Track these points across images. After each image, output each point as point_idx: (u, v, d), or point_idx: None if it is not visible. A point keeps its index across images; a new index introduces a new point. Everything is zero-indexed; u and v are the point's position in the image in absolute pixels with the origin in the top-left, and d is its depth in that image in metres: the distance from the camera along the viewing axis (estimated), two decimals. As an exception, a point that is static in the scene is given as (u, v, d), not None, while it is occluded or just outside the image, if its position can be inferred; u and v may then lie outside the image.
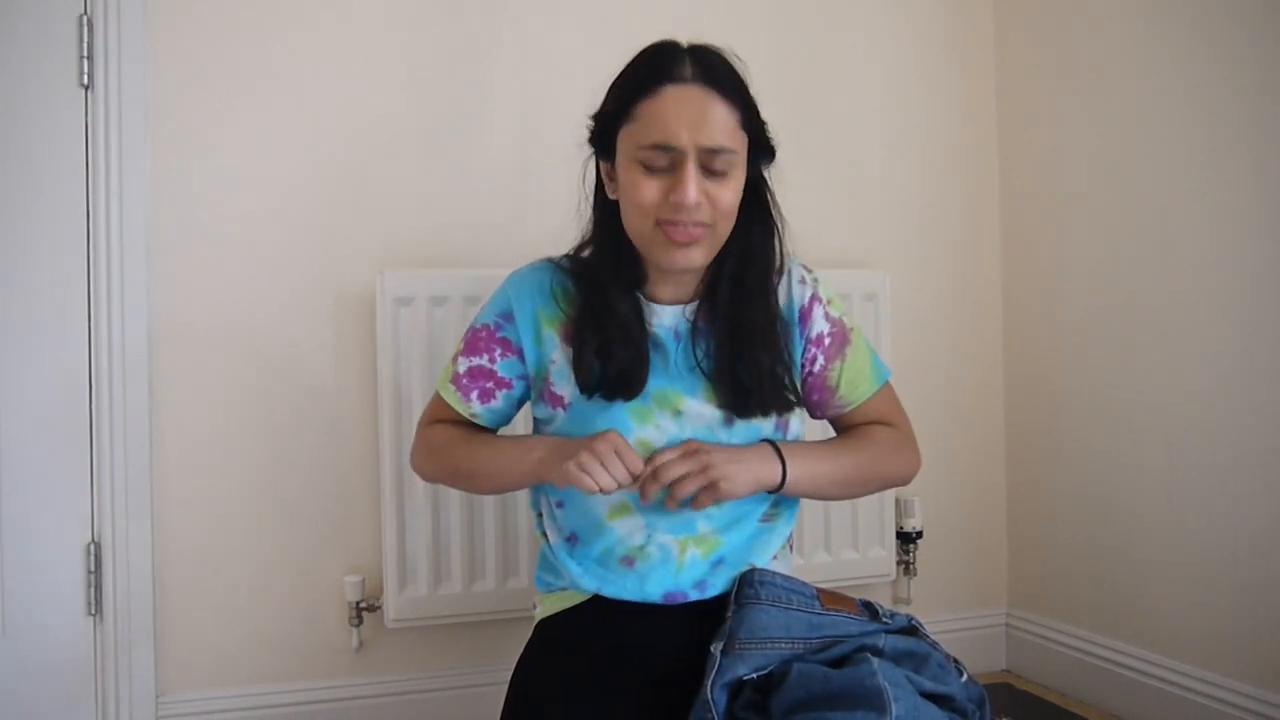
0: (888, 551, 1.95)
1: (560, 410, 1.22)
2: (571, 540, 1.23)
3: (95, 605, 1.63)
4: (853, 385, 1.28)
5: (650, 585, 1.17)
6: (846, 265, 1.99)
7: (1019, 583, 2.11)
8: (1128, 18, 1.80)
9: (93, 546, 1.62)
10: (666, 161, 1.10)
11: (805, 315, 1.24)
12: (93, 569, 1.62)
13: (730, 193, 1.12)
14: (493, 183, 1.80)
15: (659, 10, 1.88)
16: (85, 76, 1.61)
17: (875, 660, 1.00)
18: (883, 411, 1.32)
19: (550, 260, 1.26)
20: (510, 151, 1.81)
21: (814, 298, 1.25)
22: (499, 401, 1.26)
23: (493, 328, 1.24)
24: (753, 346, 1.18)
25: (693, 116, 1.09)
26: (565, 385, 1.21)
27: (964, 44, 2.10)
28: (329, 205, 1.73)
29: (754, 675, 1.06)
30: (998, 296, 2.13)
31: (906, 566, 2.01)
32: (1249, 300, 1.60)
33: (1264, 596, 1.59)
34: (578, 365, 1.18)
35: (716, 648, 1.09)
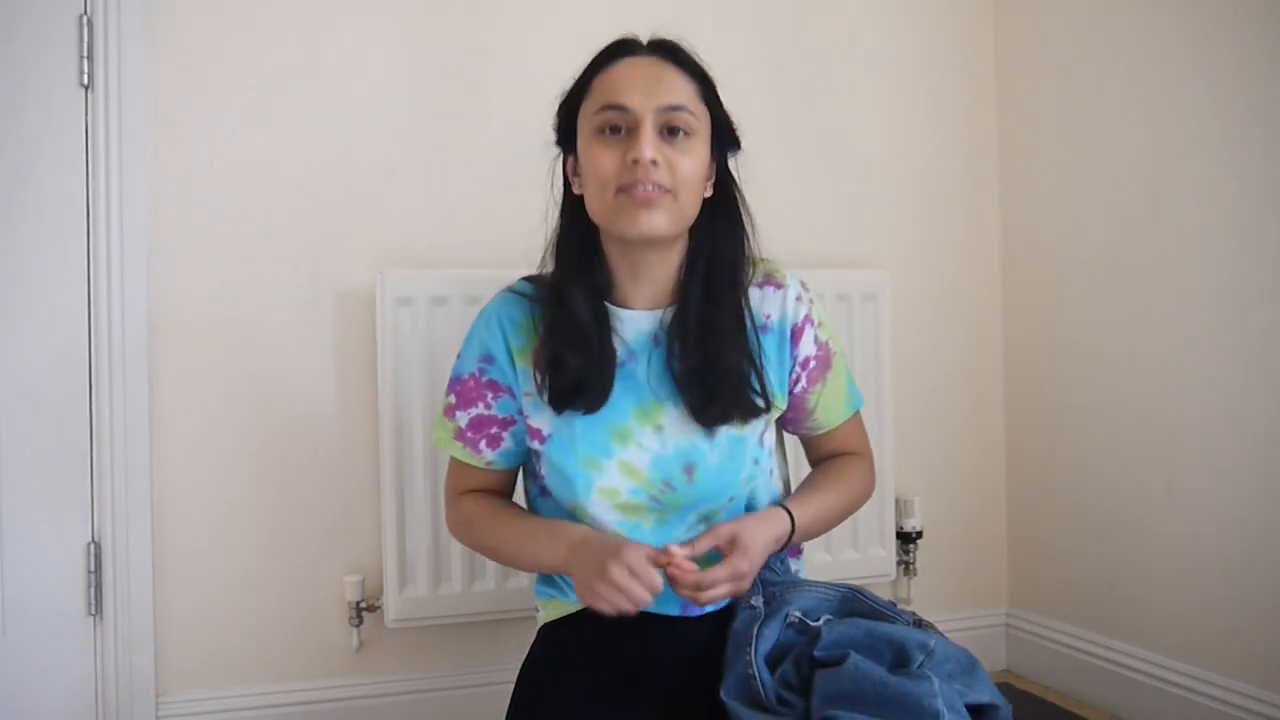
0: (888, 551, 1.95)
1: (539, 443, 1.19)
2: None
3: (95, 605, 1.63)
4: (827, 410, 1.28)
5: (668, 596, 1.13)
6: (846, 265, 1.99)
7: (1019, 583, 2.11)
8: (1128, 15, 1.80)
9: (93, 546, 1.62)
10: (622, 124, 1.11)
11: (797, 335, 1.22)
12: (93, 569, 1.62)
13: (689, 160, 1.12)
14: (493, 182, 1.80)
15: (657, 13, 1.88)
16: (85, 76, 1.61)
17: (937, 681, 0.97)
18: (851, 441, 1.32)
19: (512, 290, 1.24)
20: (510, 151, 1.81)
21: (807, 318, 1.23)
22: (508, 441, 1.23)
23: (477, 374, 1.22)
24: (719, 345, 1.15)
25: (647, 80, 1.11)
26: (540, 416, 1.19)
27: (964, 43, 2.10)
28: (329, 205, 1.73)
29: (799, 616, 1.07)
30: (998, 296, 2.13)
31: (906, 566, 2.01)
32: (1250, 298, 1.60)
33: (1264, 596, 1.59)
34: (548, 380, 1.15)
35: (758, 599, 1.10)
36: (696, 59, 1.17)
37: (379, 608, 1.71)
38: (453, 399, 1.23)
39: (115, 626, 1.62)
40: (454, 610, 1.70)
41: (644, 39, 1.18)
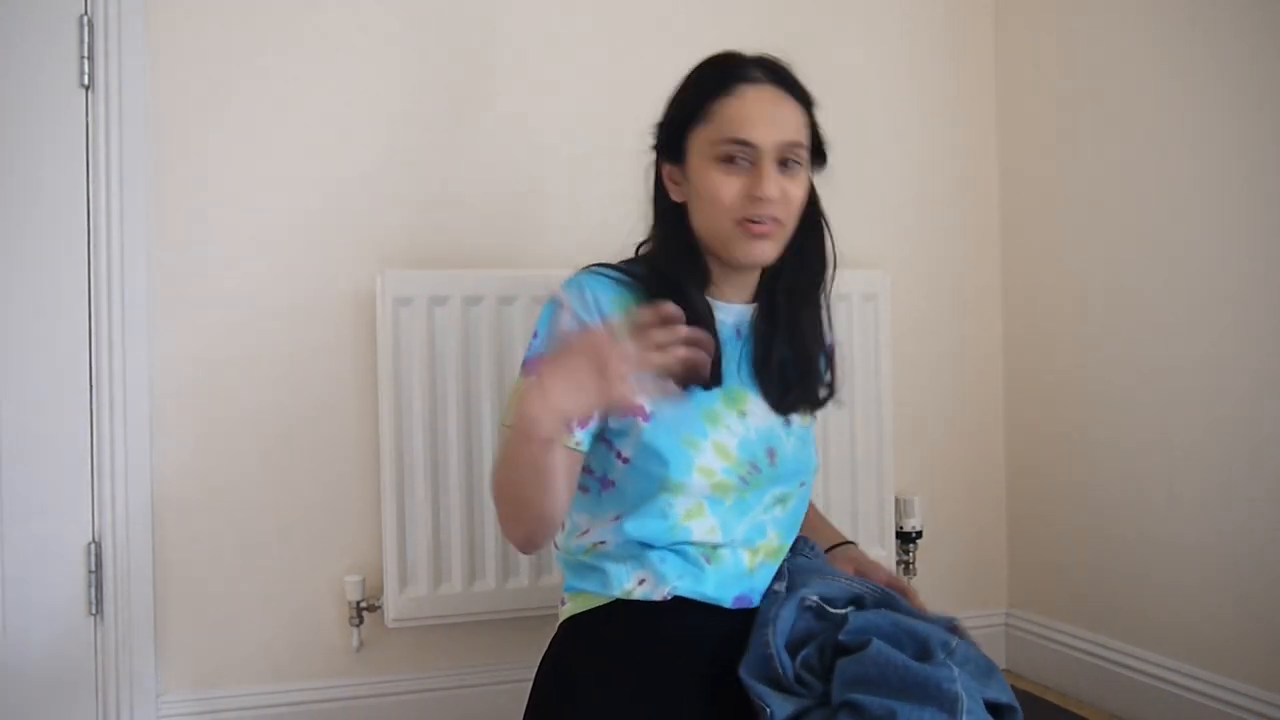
0: (888, 551, 1.95)
1: (641, 420, 1.17)
2: (645, 545, 1.20)
3: (95, 605, 1.63)
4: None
5: (725, 588, 1.19)
6: (846, 265, 1.96)
7: (1019, 583, 2.11)
8: (1127, 17, 1.80)
9: (93, 546, 1.63)
10: (745, 158, 1.14)
11: (830, 357, 1.33)
12: (93, 569, 1.62)
13: (800, 190, 1.18)
14: (493, 182, 1.80)
15: (657, 13, 1.88)
16: (85, 77, 1.61)
17: (957, 669, 0.99)
18: None
19: (599, 273, 1.22)
20: (510, 151, 1.81)
21: (834, 344, 1.34)
22: (595, 419, 1.19)
23: None
24: (805, 340, 1.24)
25: (769, 114, 1.15)
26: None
27: (964, 43, 2.10)
28: (329, 205, 1.73)
29: (816, 600, 1.11)
30: (998, 296, 2.13)
31: (906, 566, 2.01)
32: (1248, 297, 1.60)
33: (1264, 597, 1.59)
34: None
35: (780, 585, 1.16)
36: (803, 85, 1.20)
37: (379, 608, 1.71)
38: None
39: (115, 626, 1.62)
40: (454, 610, 1.70)
41: (749, 54, 1.20)
